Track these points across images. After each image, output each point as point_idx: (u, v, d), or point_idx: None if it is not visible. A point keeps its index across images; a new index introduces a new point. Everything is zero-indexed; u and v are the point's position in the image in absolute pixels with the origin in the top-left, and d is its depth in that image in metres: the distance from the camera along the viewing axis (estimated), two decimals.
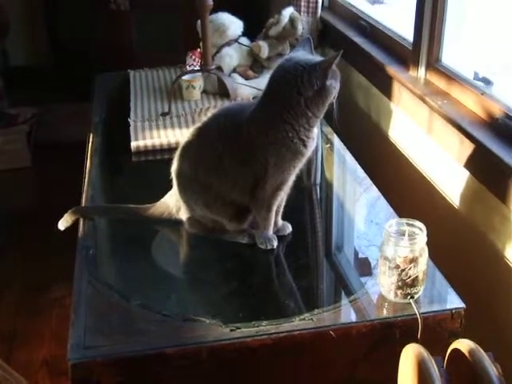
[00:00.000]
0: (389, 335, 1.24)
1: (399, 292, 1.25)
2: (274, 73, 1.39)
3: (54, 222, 1.57)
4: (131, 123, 2.07)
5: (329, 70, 1.33)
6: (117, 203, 1.64)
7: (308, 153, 1.40)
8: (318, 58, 1.38)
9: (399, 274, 1.24)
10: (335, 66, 1.36)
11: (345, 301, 1.33)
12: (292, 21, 2.33)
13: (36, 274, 2.71)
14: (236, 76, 2.29)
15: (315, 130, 1.41)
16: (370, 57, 2.21)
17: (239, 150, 1.39)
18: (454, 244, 1.74)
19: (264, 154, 1.37)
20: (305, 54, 1.40)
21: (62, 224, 1.57)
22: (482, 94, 1.67)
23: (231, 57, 2.31)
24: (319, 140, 1.94)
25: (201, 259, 1.48)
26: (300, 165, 1.41)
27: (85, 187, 1.74)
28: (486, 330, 1.55)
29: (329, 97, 1.36)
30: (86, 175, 1.80)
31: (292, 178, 1.43)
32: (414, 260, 1.23)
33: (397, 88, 2.03)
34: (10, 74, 4.16)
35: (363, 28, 2.41)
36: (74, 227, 1.56)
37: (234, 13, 2.36)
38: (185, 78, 2.23)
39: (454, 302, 1.28)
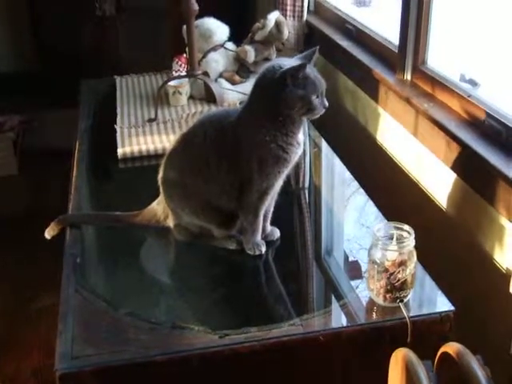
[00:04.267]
0: (378, 339, 1.24)
1: (388, 296, 1.25)
2: (257, 78, 1.40)
3: (41, 230, 1.56)
4: (118, 130, 2.06)
5: (287, 77, 1.31)
6: (104, 210, 1.63)
7: (291, 159, 1.39)
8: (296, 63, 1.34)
9: (388, 278, 1.23)
10: (318, 79, 1.34)
11: (334, 305, 1.33)
12: (278, 25, 2.32)
13: (24, 282, 2.69)
14: (222, 81, 2.29)
15: (300, 137, 1.40)
16: (356, 60, 2.21)
17: (225, 156, 1.39)
18: (443, 247, 1.74)
19: (248, 159, 1.37)
20: (293, 60, 1.38)
21: (49, 233, 1.55)
22: (469, 97, 1.67)
23: (217, 62, 2.31)
24: (307, 144, 1.94)
25: (189, 266, 1.47)
26: (285, 171, 1.41)
27: (72, 195, 1.73)
28: (476, 333, 1.55)
29: (290, 105, 1.33)
30: (73, 182, 1.79)
31: (279, 184, 1.43)
32: (402, 263, 1.23)
33: (383, 91, 2.04)
34: None
35: (349, 31, 2.42)
36: (62, 235, 1.55)
37: (220, 18, 2.35)
38: (171, 83, 2.23)
39: (443, 305, 1.27)
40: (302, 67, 1.31)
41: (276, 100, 1.33)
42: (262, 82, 1.37)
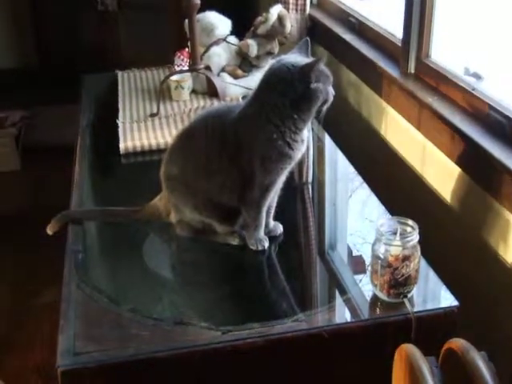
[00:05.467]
0: (382, 335, 1.23)
1: (392, 291, 1.24)
2: (264, 74, 1.39)
3: (43, 226, 1.55)
4: (120, 124, 2.06)
5: (311, 74, 1.32)
6: (106, 206, 1.62)
7: (296, 156, 1.39)
8: (307, 60, 1.37)
9: (392, 273, 1.23)
10: (327, 70, 1.35)
11: (337, 301, 1.32)
12: (280, 18, 2.31)
13: (26, 278, 2.69)
14: (225, 75, 2.28)
15: (305, 133, 1.40)
16: (359, 53, 2.20)
17: (227, 151, 1.38)
18: (447, 241, 1.73)
19: (250, 155, 1.36)
20: (296, 56, 1.39)
21: (50, 229, 1.55)
22: (473, 90, 1.66)
23: (220, 56, 2.30)
24: (310, 138, 1.93)
25: (191, 262, 1.47)
26: (288, 167, 1.40)
27: (73, 190, 1.72)
28: (480, 329, 1.54)
29: (314, 100, 1.34)
30: (75, 178, 1.78)
31: (282, 179, 1.42)
32: (406, 258, 1.22)
33: (387, 84, 2.02)
34: None
35: (352, 24, 2.40)
36: (64, 230, 1.55)
37: (222, 11, 2.34)
38: (173, 78, 2.22)
39: (448, 300, 1.27)
40: (318, 62, 1.32)
41: (297, 97, 1.33)
42: (274, 81, 1.35)
